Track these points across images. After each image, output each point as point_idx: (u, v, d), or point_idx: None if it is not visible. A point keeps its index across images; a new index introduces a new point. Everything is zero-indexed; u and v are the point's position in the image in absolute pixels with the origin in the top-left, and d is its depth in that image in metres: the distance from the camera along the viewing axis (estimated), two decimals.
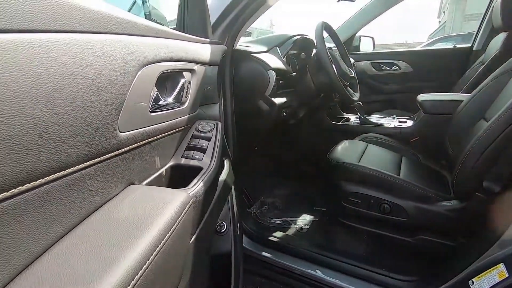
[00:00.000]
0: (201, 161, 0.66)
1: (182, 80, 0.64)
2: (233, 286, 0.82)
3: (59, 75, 0.30)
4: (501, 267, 0.76)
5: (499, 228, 0.77)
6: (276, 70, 1.15)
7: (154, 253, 0.33)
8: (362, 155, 1.28)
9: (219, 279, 0.82)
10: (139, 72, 0.46)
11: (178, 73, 0.63)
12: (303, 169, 1.74)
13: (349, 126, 1.74)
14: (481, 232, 0.87)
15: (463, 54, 2.10)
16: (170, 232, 0.37)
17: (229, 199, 0.91)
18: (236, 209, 0.95)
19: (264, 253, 1.17)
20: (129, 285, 0.29)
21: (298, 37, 1.38)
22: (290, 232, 1.32)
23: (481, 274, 0.80)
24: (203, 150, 0.69)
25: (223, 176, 0.83)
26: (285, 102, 1.21)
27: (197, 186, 0.55)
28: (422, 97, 1.51)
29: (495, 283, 0.76)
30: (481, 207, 0.91)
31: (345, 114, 1.94)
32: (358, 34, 2.41)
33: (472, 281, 0.82)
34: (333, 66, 1.24)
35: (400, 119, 1.68)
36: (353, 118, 1.86)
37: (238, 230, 0.94)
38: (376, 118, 1.79)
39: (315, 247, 1.17)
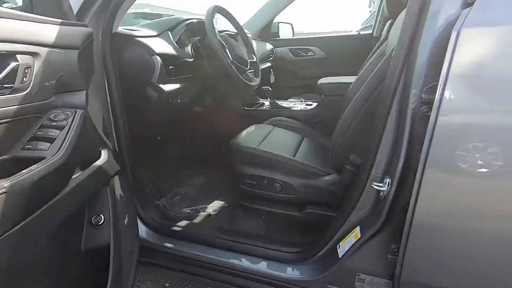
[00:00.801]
0: (46, 151, 0.61)
1: (13, 64, 0.57)
2: (110, 279, 0.79)
3: None
4: (357, 229, 0.86)
5: (357, 195, 0.86)
6: (164, 55, 1.10)
7: None
8: (264, 139, 1.32)
9: (98, 271, 0.79)
10: None
11: (5, 56, 0.56)
12: (214, 156, 1.74)
13: (260, 111, 1.78)
14: (348, 201, 0.97)
15: (365, 40, 2.28)
16: None
17: (108, 190, 0.87)
18: (123, 201, 0.91)
19: (166, 244, 1.15)
20: None
21: (195, 20, 1.35)
22: (198, 220, 1.32)
23: (344, 238, 0.90)
24: (50, 140, 0.63)
25: (96, 165, 0.79)
26: (178, 88, 1.18)
27: (20, 176, 0.51)
28: (321, 80, 1.60)
29: (352, 244, 0.85)
30: (350, 178, 1.01)
31: (260, 99, 1.98)
32: (276, 20, 2.46)
33: (339, 245, 0.91)
34: (227, 51, 1.23)
35: (307, 102, 1.77)
36: (267, 103, 1.90)
37: (124, 222, 0.91)
38: (286, 102, 1.86)
39: (218, 232, 1.18)
